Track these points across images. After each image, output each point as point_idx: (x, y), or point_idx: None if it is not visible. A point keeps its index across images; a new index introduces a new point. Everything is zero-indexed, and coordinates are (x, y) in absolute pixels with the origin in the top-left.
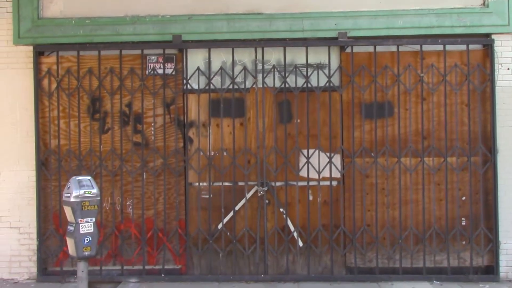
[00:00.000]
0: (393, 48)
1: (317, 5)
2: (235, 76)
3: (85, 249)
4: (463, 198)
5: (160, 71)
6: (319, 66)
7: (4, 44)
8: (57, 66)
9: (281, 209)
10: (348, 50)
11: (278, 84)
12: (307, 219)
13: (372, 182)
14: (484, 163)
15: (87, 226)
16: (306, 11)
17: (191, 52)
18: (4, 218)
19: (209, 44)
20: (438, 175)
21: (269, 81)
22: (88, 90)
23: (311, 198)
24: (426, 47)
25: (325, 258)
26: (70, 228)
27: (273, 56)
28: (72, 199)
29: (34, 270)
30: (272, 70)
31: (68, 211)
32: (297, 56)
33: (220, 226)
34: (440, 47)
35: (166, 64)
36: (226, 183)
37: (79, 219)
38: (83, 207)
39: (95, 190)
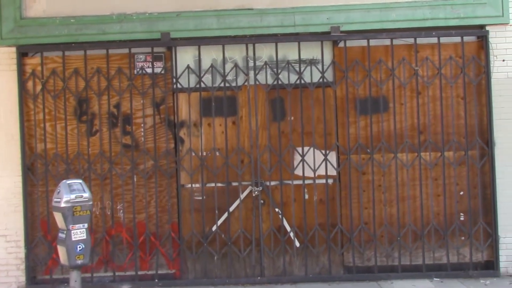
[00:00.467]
0: (387, 42)
1: None
2: (226, 74)
3: (77, 258)
4: (461, 193)
5: (149, 70)
6: (312, 62)
7: None
8: (41, 67)
9: (277, 209)
10: (341, 44)
11: (270, 81)
12: (303, 218)
13: (368, 179)
14: (482, 157)
15: (79, 232)
16: (297, 6)
17: (180, 50)
18: None
19: (199, 42)
20: (435, 170)
21: (261, 78)
22: (74, 92)
23: (307, 197)
24: (420, 40)
25: (322, 258)
26: (61, 235)
27: (265, 52)
28: (62, 204)
29: (22, 279)
30: (264, 66)
31: (58, 217)
32: (289, 52)
33: (214, 228)
34: (434, 40)
35: (154, 63)
36: (220, 184)
37: (70, 226)
38: (75, 213)
39: (87, 194)
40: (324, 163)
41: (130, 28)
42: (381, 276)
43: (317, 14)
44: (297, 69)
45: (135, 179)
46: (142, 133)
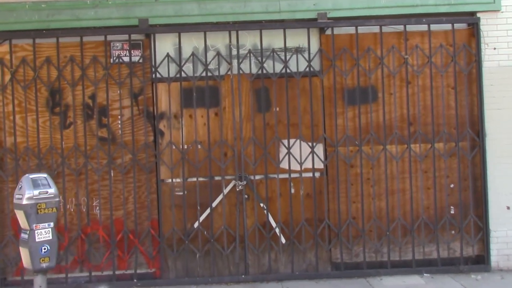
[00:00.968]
0: (376, 29)
1: None
2: (208, 63)
3: (42, 260)
4: (452, 186)
5: (126, 59)
6: (298, 50)
7: None
8: (10, 55)
9: (262, 204)
10: (329, 32)
11: (254, 70)
12: (290, 213)
13: (357, 172)
14: (472, 148)
15: (44, 232)
16: None
17: (159, 37)
18: None
19: (179, 28)
20: (425, 162)
21: (245, 67)
22: (46, 82)
23: (293, 191)
24: (410, 28)
25: (309, 255)
26: (24, 235)
27: (249, 40)
28: (24, 201)
29: None
30: (248, 55)
31: (20, 215)
32: (274, 39)
33: (196, 225)
34: (424, 27)
35: (132, 51)
36: (202, 179)
37: (34, 225)
38: (39, 211)
39: (52, 190)
40: (310, 155)
41: (105, 14)
42: (370, 272)
43: (303, 0)
44: (283, 57)
45: (112, 174)
46: (119, 126)
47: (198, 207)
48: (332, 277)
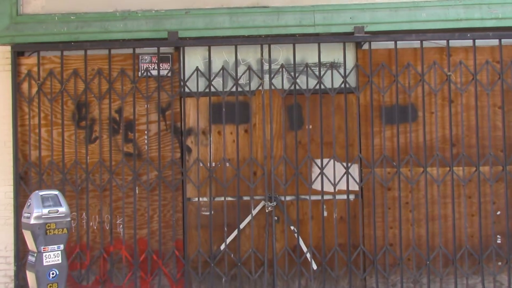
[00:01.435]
0: (416, 44)
1: None
2: (238, 77)
3: (50, 287)
4: (498, 213)
5: (154, 72)
6: (333, 65)
7: None
8: (38, 67)
9: (292, 227)
10: (366, 46)
11: (287, 85)
12: (322, 238)
13: (394, 195)
14: None
15: (52, 255)
16: (317, 4)
17: (188, 50)
18: None
19: (209, 42)
20: (469, 186)
21: (277, 82)
22: (73, 95)
23: (325, 214)
24: (453, 43)
25: (342, 283)
26: (31, 258)
27: (281, 54)
28: (32, 221)
29: None
30: (280, 70)
31: (28, 236)
32: (308, 54)
33: (222, 247)
34: (469, 42)
35: (161, 65)
36: (229, 198)
37: (42, 247)
38: (48, 231)
39: (63, 209)
40: (345, 177)
41: (134, 26)
42: None
43: (339, 13)
44: (317, 73)
45: (137, 191)
46: (146, 141)
47: (225, 228)
48: None
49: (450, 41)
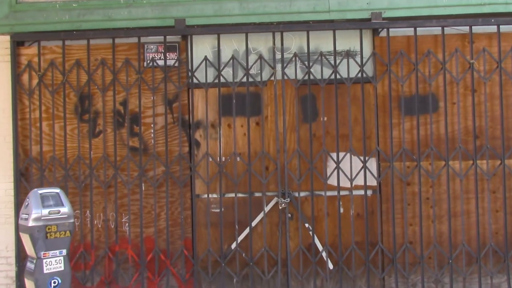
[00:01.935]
0: (437, 31)
1: None
2: (249, 67)
3: None
4: None
5: (161, 62)
6: (349, 54)
7: None
8: (38, 58)
9: (307, 225)
10: (383, 33)
11: (300, 75)
12: (338, 236)
13: (414, 190)
14: None
15: (54, 262)
16: None
17: (197, 39)
18: None
19: (218, 29)
20: (493, 181)
21: (289, 72)
22: (75, 86)
23: (342, 210)
24: (476, 29)
25: (360, 283)
26: (30, 265)
27: (294, 42)
28: (31, 223)
29: None
30: (293, 59)
31: (26, 240)
32: (322, 42)
33: (233, 245)
34: (493, 28)
35: (167, 54)
36: (240, 195)
37: (42, 253)
38: (48, 235)
39: (66, 209)
40: (362, 171)
41: (139, 14)
42: None
43: None
44: (332, 62)
45: (143, 188)
46: (152, 135)
47: (236, 226)
48: None
49: (473, 27)
